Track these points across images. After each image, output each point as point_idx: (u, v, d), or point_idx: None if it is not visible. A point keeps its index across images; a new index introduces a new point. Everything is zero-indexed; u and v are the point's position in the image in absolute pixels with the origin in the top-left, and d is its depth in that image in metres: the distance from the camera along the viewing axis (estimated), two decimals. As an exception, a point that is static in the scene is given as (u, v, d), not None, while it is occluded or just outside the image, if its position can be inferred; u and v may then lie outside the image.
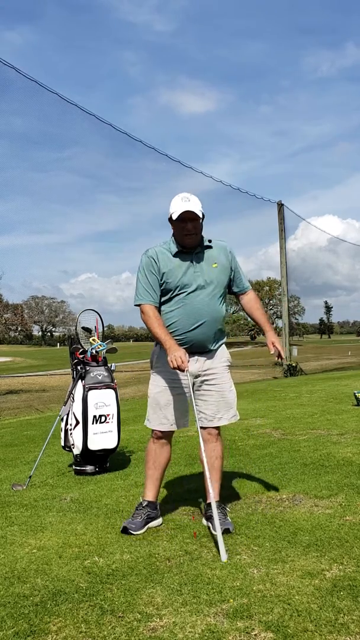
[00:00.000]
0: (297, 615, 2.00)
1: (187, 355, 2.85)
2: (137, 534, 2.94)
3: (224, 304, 3.09)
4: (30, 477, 4.28)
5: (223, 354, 3.14)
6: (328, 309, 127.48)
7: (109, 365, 4.66)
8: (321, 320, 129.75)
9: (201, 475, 4.03)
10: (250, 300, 3.19)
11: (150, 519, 3.04)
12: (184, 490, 3.76)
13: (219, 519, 2.69)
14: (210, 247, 3.03)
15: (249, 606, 2.09)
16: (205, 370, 3.05)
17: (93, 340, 4.60)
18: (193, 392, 2.99)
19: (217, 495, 3.05)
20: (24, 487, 4.13)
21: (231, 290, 3.16)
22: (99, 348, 4.56)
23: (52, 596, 2.27)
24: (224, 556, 2.51)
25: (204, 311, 2.95)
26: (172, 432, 3.15)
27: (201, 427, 3.02)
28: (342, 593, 2.15)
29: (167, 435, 3.14)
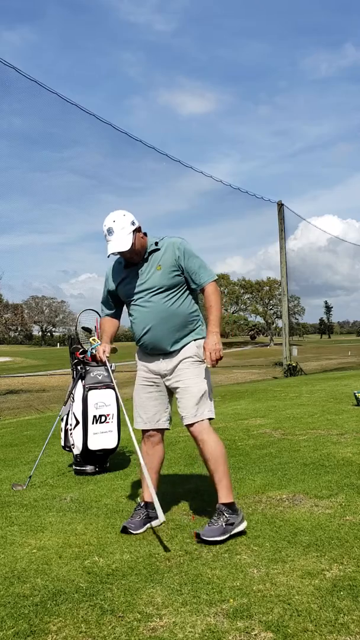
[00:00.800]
0: (297, 615, 2.00)
1: (107, 348, 3.14)
2: (137, 534, 2.94)
3: (182, 302, 3.00)
4: (30, 477, 4.28)
5: (188, 351, 3.02)
6: (328, 309, 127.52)
7: (109, 365, 4.66)
8: (321, 320, 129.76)
9: (201, 475, 4.04)
10: (205, 297, 3.04)
11: (150, 518, 3.04)
12: (184, 490, 3.76)
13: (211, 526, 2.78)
14: (157, 249, 3.01)
15: (249, 606, 2.09)
16: (168, 370, 3.03)
17: (93, 340, 4.60)
18: (168, 391, 3.11)
19: (224, 496, 2.90)
20: (24, 487, 4.13)
21: (193, 288, 3.06)
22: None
23: (52, 596, 2.27)
24: (161, 517, 2.78)
25: (150, 316, 2.97)
26: (159, 431, 3.12)
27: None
28: (342, 593, 2.15)
29: (152, 435, 3.12)
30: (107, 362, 3.24)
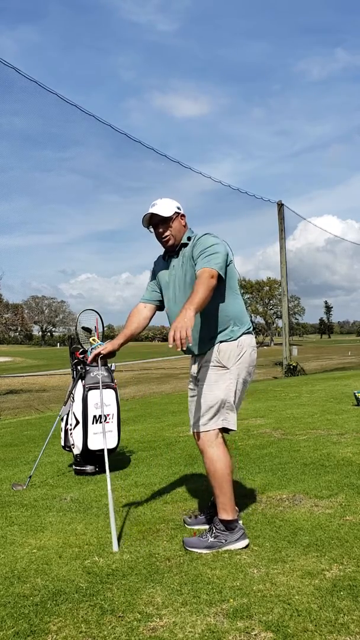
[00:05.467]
0: (297, 615, 2.00)
1: (107, 349, 3.03)
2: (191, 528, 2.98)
3: (210, 300, 2.64)
4: (30, 477, 4.28)
5: (209, 356, 2.83)
6: (328, 308, 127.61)
7: (109, 365, 4.67)
8: (321, 320, 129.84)
9: (201, 475, 4.04)
10: (196, 278, 2.68)
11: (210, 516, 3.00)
12: (184, 490, 3.76)
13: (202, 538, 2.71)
14: (187, 244, 2.92)
15: (249, 606, 2.09)
16: (196, 373, 2.95)
17: (93, 340, 4.60)
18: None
19: (219, 512, 2.77)
20: (24, 487, 4.13)
21: (226, 286, 2.85)
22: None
23: (52, 596, 2.27)
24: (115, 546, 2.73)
25: (175, 313, 2.80)
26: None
27: None
28: (342, 593, 2.15)
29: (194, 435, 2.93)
30: (98, 362, 3.12)
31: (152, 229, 2.95)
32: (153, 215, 2.88)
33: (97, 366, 4.17)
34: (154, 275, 3.11)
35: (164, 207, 2.88)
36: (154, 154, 14.34)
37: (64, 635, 1.97)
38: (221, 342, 2.82)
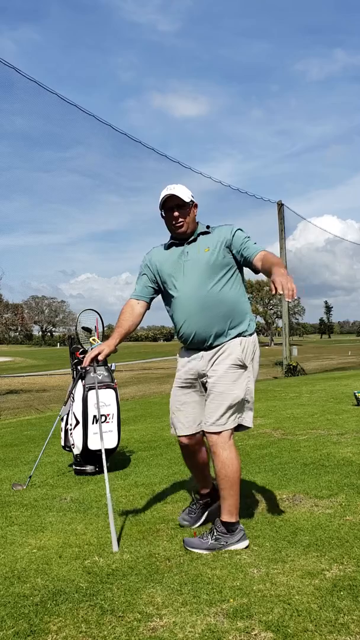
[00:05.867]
0: (297, 615, 2.00)
1: (105, 352, 2.86)
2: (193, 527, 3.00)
3: (230, 287, 2.79)
4: (30, 477, 4.28)
5: (232, 351, 2.75)
6: (328, 308, 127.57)
7: (109, 365, 4.67)
8: (321, 320, 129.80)
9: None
10: (263, 260, 2.69)
11: (207, 506, 3.10)
12: (184, 490, 3.76)
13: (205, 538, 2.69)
14: (207, 232, 2.85)
15: (249, 606, 2.09)
16: (207, 369, 2.79)
17: (93, 340, 4.60)
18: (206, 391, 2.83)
19: (223, 514, 2.72)
20: (24, 487, 4.13)
21: (246, 264, 2.80)
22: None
23: (52, 596, 2.27)
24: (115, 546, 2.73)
25: (192, 300, 2.75)
26: (193, 436, 2.88)
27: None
28: (342, 593, 2.15)
29: (192, 438, 2.87)
30: (94, 364, 2.98)
31: (163, 213, 2.84)
32: (172, 197, 2.76)
33: (94, 368, 4.15)
34: (148, 269, 2.94)
35: (184, 192, 2.79)
36: (154, 154, 14.37)
37: (64, 635, 1.97)
38: (240, 335, 2.79)
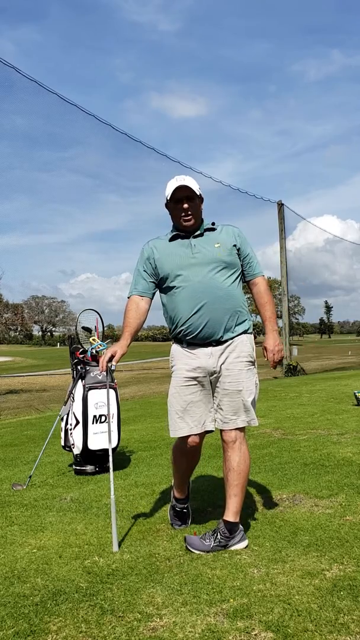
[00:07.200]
0: (297, 615, 2.00)
1: (118, 355, 2.78)
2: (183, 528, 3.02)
3: (238, 284, 2.83)
4: (30, 477, 4.28)
5: (243, 348, 2.77)
6: (328, 308, 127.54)
7: (109, 365, 4.66)
8: (321, 320, 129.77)
9: (202, 475, 4.04)
10: (258, 292, 2.91)
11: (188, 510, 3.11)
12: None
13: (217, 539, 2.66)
14: (214, 229, 2.83)
15: (249, 606, 2.09)
16: (218, 366, 2.74)
17: (93, 340, 4.60)
18: (212, 390, 2.80)
19: (231, 514, 2.70)
20: (24, 487, 4.13)
21: (243, 276, 2.90)
22: (99, 348, 4.56)
23: (52, 596, 2.27)
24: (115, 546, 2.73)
25: (203, 291, 2.69)
26: (198, 436, 2.83)
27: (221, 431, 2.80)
28: (342, 593, 2.15)
29: (195, 439, 2.83)
30: (108, 370, 2.88)
31: (171, 204, 2.78)
32: (182, 188, 2.71)
33: (97, 366, 4.15)
34: (148, 263, 2.84)
35: (194, 183, 2.75)
36: (154, 153, 14.34)
37: (64, 635, 1.97)
38: (247, 332, 2.85)
